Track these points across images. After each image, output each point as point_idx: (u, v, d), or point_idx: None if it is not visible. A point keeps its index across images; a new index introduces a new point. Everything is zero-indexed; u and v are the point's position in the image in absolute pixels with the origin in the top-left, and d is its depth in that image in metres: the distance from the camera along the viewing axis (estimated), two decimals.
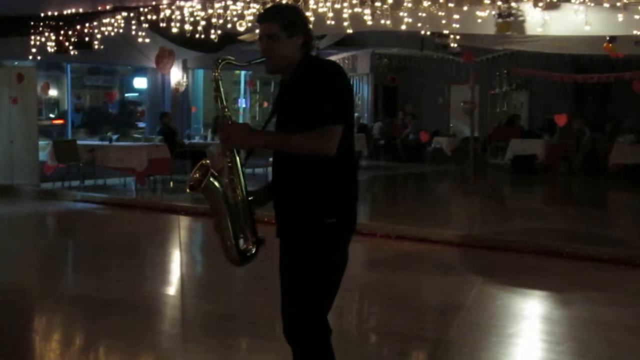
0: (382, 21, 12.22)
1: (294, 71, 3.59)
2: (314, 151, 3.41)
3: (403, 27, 12.29)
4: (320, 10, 11.98)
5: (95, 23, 14.66)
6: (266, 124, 3.79)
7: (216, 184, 3.54)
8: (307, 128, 3.39)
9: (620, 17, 10.74)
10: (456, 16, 11.75)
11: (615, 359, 5.66)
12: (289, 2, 3.66)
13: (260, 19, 3.64)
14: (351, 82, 18.05)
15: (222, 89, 3.66)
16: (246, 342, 6.00)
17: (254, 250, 3.61)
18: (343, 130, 3.44)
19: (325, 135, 3.39)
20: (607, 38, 13.04)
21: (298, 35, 3.57)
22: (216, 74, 3.65)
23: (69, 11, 14.13)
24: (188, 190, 3.57)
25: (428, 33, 13.81)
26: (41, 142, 16.41)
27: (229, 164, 3.56)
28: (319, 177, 3.48)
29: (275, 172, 3.66)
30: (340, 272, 3.59)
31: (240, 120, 22.07)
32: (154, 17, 13.48)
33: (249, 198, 3.60)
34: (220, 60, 3.68)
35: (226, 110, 3.61)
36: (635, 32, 11.40)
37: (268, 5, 3.75)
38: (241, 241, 3.60)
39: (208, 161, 3.59)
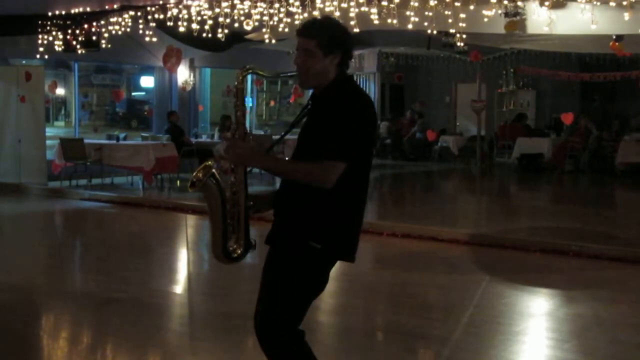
0: (389, 20, 12.22)
1: (325, 91, 3.57)
2: (313, 183, 3.43)
3: (410, 26, 12.30)
4: (327, 9, 12.00)
5: (102, 22, 14.70)
6: (282, 137, 3.78)
7: (216, 184, 3.58)
8: (316, 154, 3.41)
9: (627, 15, 10.72)
10: (463, 15, 11.75)
11: (620, 357, 5.67)
12: (333, 17, 3.60)
13: (299, 32, 3.58)
14: (358, 81, 17.92)
15: (242, 97, 3.64)
16: (252, 340, 5.99)
17: (239, 252, 3.65)
18: (354, 164, 3.44)
19: (325, 170, 3.40)
20: (614, 37, 13.03)
21: (335, 54, 3.54)
22: (239, 82, 3.62)
23: (76, 10, 14.17)
24: (189, 188, 3.60)
25: (435, 32, 13.80)
26: (49, 142, 16.47)
27: (234, 168, 3.60)
28: (315, 202, 3.49)
29: (281, 185, 3.69)
30: (315, 293, 3.62)
31: (247, 121, 22.12)
32: (161, 16, 13.51)
33: (249, 203, 3.63)
34: (246, 69, 3.63)
35: (241, 121, 3.60)
36: None
37: (309, 19, 3.70)
38: (231, 241, 3.64)
39: (212, 162, 3.63)
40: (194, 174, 3.59)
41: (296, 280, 3.53)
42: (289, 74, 3.70)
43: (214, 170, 3.57)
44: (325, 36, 3.52)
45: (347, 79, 3.61)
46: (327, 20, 3.63)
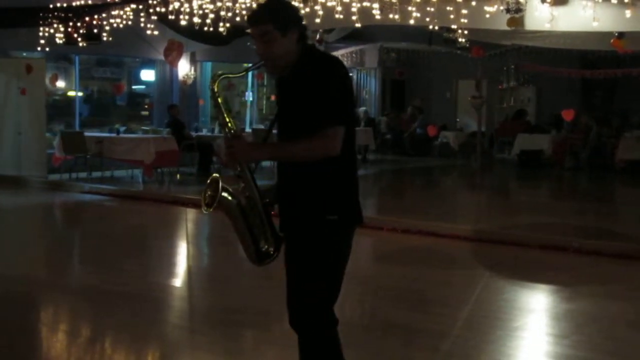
0: (391, 15, 12.22)
1: (295, 69, 3.58)
2: (320, 155, 3.44)
3: (411, 21, 12.29)
4: (329, 4, 11.99)
5: (104, 15, 14.68)
6: (271, 128, 3.80)
7: (229, 197, 3.62)
8: (310, 128, 3.42)
9: (628, 13, 10.72)
10: (464, 11, 11.74)
11: (619, 353, 5.67)
12: None
13: (251, 21, 3.57)
14: (358, 76, 17.98)
15: (221, 104, 3.66)
16: (252, 334, 6.03)
17: (272, 249, 3.69)
18: (347, 126, 3.48)
19: (329, 138, 3.42)
20: (616, 34, 13.02)
21: (292, 30, 3.54)
22: (215, 89, 3.66)
23: (77, 2, 14.15)
24: (205, 210, 3.62)
25: (436, 28, 13.79)
26: (49, 134, 16.47)
27: (239, 173, 3.62)
28: (320, 175, 3.52)
29: (280, 170, 3.71)
30: (343, 264, 3.64)
31: (248, 115, 22.14)
32: (163, 9, 13.49)
33: (265, 201, 3.66)
34: (217, 76, 3.68)
35: (229, 124, 3.62)
36: None
37: (255, 6, 3.71)
38: (262, 243, 3.67)
39: (217, 175, 3.64)
40: (204, 193, 3.62)
41: (324, 256, 3.55)
42: (256, 66, 3.69)
43: (221, 184, 3.58)
44: (278, 17, 3.51)
45: (311, 50, 3.62)
46: (273, 2, 3.62)
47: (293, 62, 3.57)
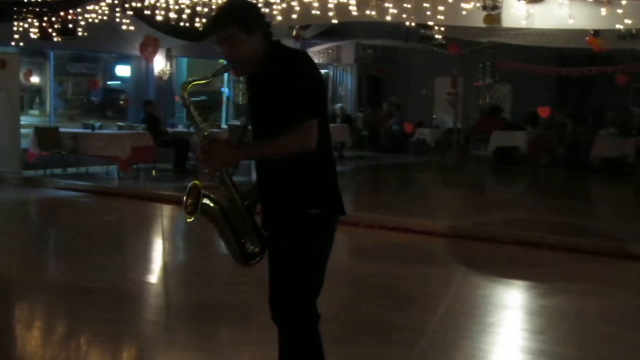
0: (368, 12, 12.23)
1: (263, 67, 3.58)
2: (297, 151, 3.44)
3: (388, 18, 12.31)
4: (306, 0, 11.98)
5: (79, 10, 14.58)
6: (246, 125, 3.80)
7: (210, 203, 3.62)
8: (284, 124, 3.41)
9: (604, 11, 10.80)
10: (441, 8, 11.78)
11: (593, 349, 5.71)
12: None
13: (215, 26, 3.57)
14: (335, 73, 17.98)
15: (193, 112, 3.66)
16: (229, 331, 6.01)
17: (258, 250, 3.71)
18: (320, 118, 3.49)
19: (305, 133, 3.42)
20: (591, 32, 13.11)
21: (257, 30, 3.54)
22: (185, 98, 3.65)
23: None
24: (188, 218, 3.61)
25: (413, 25, 13.82)
26: (24, 131, 16.32)
27: (218, 177, 3.61)
28: (298, 171, 3.53)
29: (259, 168, 3.72)
30: (326, 258, 3.66)
31: (224, 111, 22.08)
32: (139, 5, 13.43)
33: (246, 203, 3.68)
34: (186, 84, 3.67)
35: (203, 132, 3.60)
36: (618, 26, 11.47)
37: (216, 10, 3.68)
38: (247, 244, 3.69)
39: (197, 182, 3.63)
40: (185, 201, 3.60)
41: (306, 251, 3.56)
42: (223, 69, 3.68)
43: (202, 191, 3.58)
44: (241, 19, 3.51)
45: (277, 47, 3.62)
46: (236, 4, 3.62)
47: (260, 60, 3.57)
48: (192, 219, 3.60)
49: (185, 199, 3.61)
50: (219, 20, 3.56)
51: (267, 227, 3.70)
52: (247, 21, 3.51)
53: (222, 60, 3.67)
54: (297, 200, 3.55)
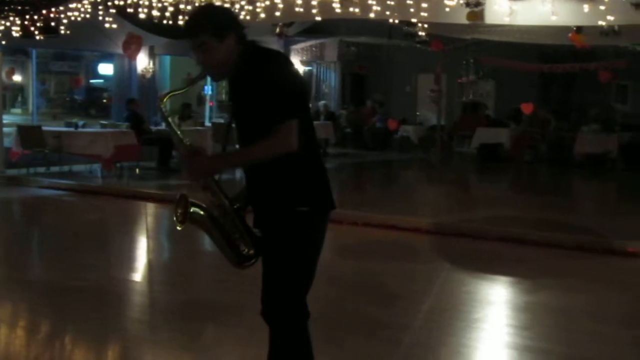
0: (351, 9, 12.22)
1: (238, 69, 3.57)
2: (279, 152, 3.44)
3: (372, 15, 12.29)
4: None
5: (61, 7, 14.50)
6: (229, 125, 3.79)
7: (200, 210, 3.64)
8: (265, 124, 3.41)
9: (587, 7, 10.83)
10: (424, 5, 11.76)
11: (577, 345, 5.74)
12: (204, 3, 3.58)
13: (188, 33, 3.54)
14: (318, 70, 17.96)
15: (172, 123, 3.68)
16: (214, 328, 6.01)
17: (252, 251, 3.71)
18: (301, 116, 3.48)
19: (284, 134, 3.41)
20: (574, 28, 13.15)
21: (229, 35, 3.52)
22: (163, 110, 3.67)
23: None
24: (178, 226, 3.63)
25: (396, 21, 13.81)
26: (6, 129, 16.23)
27: (204, 185, 3.62)
28: (286, 169, 3.52)
29: (246, 170, 3.73)
30: (317, 254, 3.69)
31: (207, 109, 22.04)
32: (122, 3, 13.37)
33: (235, 206, 3.68)
34: (164, 96, 3.68)
35: (184, 141, 3.61)
36: (600, 22, 11.50)
37: (187, 18, 3.68)
38: (241, 246, 3.70)
39: (184, 192, 3.63)
40: (175, 210, 3.61)
41: (297, 248, 3.58)
42: (200, 76, 3.70)
43: (189, 199, 3.60)
44: (213, 25, 3.49)
45: (251, 48, 3.59)
46: (206, 10, 3.65)
47: (235, 62, 3.56)
48: (182, 227, 3.62)
49: (175, 208, 3.62)
50: (190, 28, 3.54)
51: (257, 226, 3.71)
52: (219, 27, 3.49)
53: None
54: (285, 198, 3.56)
